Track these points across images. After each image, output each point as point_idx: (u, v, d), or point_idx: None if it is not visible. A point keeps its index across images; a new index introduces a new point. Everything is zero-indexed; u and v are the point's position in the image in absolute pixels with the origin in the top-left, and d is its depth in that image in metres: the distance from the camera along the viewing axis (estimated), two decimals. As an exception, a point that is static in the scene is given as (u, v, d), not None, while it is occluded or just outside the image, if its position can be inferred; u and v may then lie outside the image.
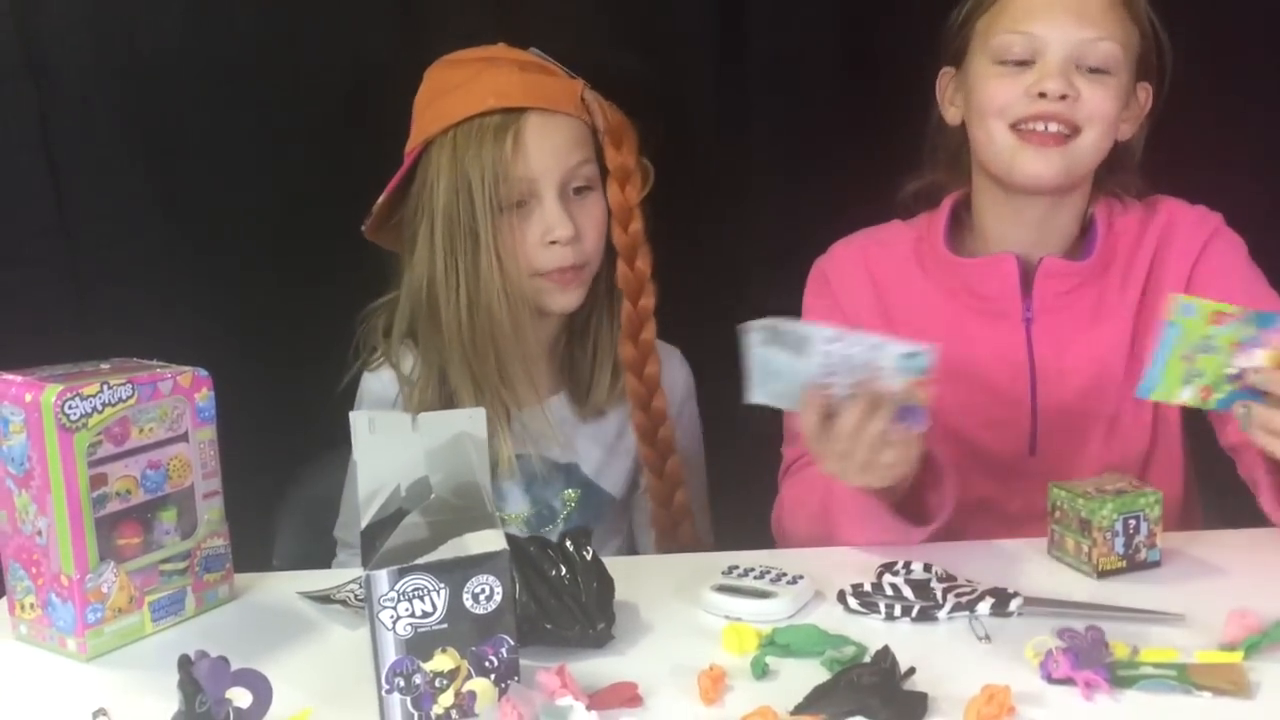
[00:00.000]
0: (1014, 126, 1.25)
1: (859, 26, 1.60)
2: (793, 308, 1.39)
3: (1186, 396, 1.07)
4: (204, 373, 1.11)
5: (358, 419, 0.95)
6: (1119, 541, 1.11)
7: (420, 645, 0.89)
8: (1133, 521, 1.11)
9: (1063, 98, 1.23)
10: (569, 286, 1.37)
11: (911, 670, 0.93)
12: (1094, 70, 1.24)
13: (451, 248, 1.33)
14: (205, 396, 1.12)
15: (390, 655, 0.89)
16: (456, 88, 1.35)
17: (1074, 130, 1.24)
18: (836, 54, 1.60)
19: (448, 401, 1.37)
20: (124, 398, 1.04)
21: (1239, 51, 1.53)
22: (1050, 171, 1.25)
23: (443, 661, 0.89)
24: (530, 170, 1.32)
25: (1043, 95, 1.23)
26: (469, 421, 0.97)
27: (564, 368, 1.44)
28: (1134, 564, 1.12)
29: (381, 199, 1.38)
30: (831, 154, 1.57)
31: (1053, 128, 1.24)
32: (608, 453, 1.45)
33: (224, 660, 0.91)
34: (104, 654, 1.05)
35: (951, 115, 1.34)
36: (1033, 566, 1.15)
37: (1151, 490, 1.13)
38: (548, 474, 1.42)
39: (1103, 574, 1.11)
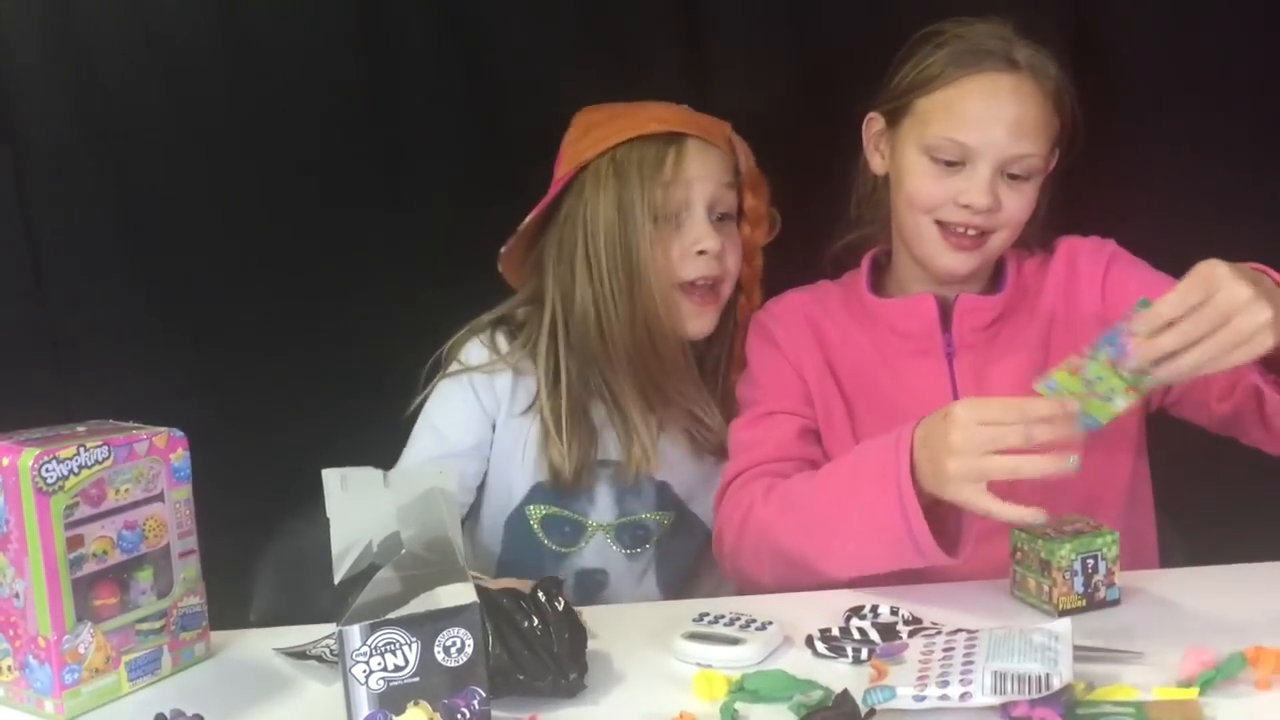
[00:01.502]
0: (938, 222, 1.34)
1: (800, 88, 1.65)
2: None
3: (1121, 406, 1.09)
4: (179, 433, 1.13)
5: (330, 476, 0.97)
6: (1078, 581, 1.14)
7: (393, 699, 0.90)
8: (1091, 561, 1.14)
9: (987, 209, 1.31)
10: (706, 309, 1.46)
11: (872, 712, 0.95)
12: (1015, 177, 1.32)
13: (614, 260, 1.41)
14: (180, 457, 1.13)
15: (363, 709, 0.90)
16: (615, 119, 1.45)
17: (991, 230, 1.34)
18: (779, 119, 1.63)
19: (582, 404, 1.46)
20: (100, 459, 1.06)
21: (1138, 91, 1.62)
22: (965, 268, 1.36)
23: (415, 715, 0.90)
24: (687, 185, 1.41)
25: (968, 206, 1.31)
26: (439, 477, 0.99)
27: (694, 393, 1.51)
28: (1094, 603, 1.14)
29: (527, 221, 1.45)
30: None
31: (972, 231, 1.33)
32: (704, 481, 1.50)
33: (200, 718, 0.92)
34: (81, 715, 1.06)
35: (877, 165, 1.42)
36: (996, 607, 1.17)
37: (1109, 531, 1.15)
38: (638, 485, 1.49)
39: (1063, 613, 1.13)
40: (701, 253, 1.42)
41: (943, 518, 1.16)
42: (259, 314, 1.59)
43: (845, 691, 0.96)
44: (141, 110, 1.57)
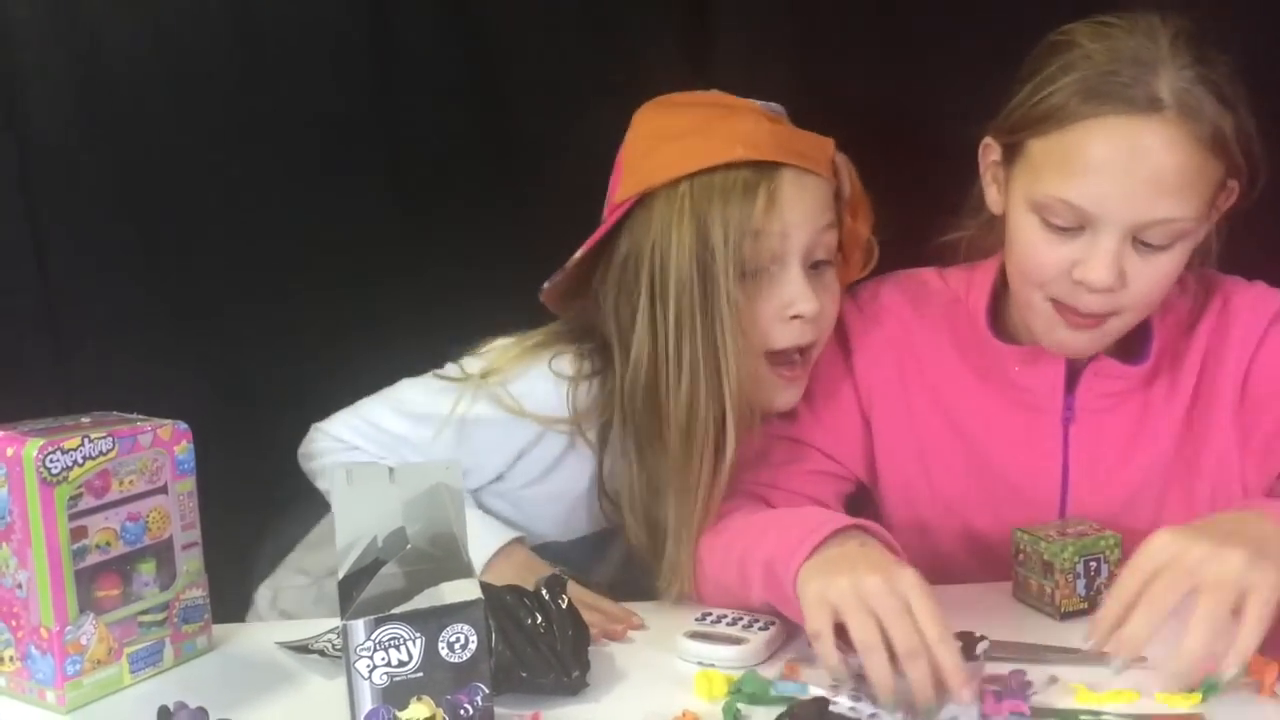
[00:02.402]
0: (1052, 299, 1.13)
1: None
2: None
3: None
4: (184, 426, 1.13)
5: (336, 471, 0.97)
6: (1080, 583, 1.14)
7: (396, 694, 0.90)
8: (1093, 563, 1.14)
9: (1107, 289, 1.08)
10: (795, 381, 1.23)
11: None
12: (1151, 246, 1.08)
13: (688, 318, 1.16)
14: (185, 449, 1.13)
15: (366, 704, 0.90)
16: (688, 133, 1.20)
17: (1114, 312, 1.12)
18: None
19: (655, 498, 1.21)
20: (104, 451, 1.06)
21: None
22: (1081, 345, 1.16)
23: (418, 710, 0.90)
24: (781, 235, 1.16)
25: (1082, 282, 1.08)
26: (445, 473, 0.99)
27: None
28: (1096, 605, 1.14)
29: (580, 255, 1.23)
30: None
31: (1091, 309, 1.11)
32: None
33: (203, 711, 0.93)
34: (83, 706, 1.06)
35: (992, 200, 1.19)
36: (998, 609, 1.17)
37: (1111, 533, 1.15)
38: None
39: (1065, 615, 1.14)
40: (796, 316, 1.19)
41: None
42: (265, 308, 1.59)
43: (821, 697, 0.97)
44: (147, 101, 1.57)
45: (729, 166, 1.15)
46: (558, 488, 1.30)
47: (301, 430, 1.38)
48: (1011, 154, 1.14)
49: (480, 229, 1.53)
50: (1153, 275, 1.09)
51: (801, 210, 1.17)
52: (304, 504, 1.41)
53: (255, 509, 1.51)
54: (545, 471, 1.29)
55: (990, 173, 1.18)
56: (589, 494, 1.29)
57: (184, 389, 1.50)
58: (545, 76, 1.55)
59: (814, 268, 1.21)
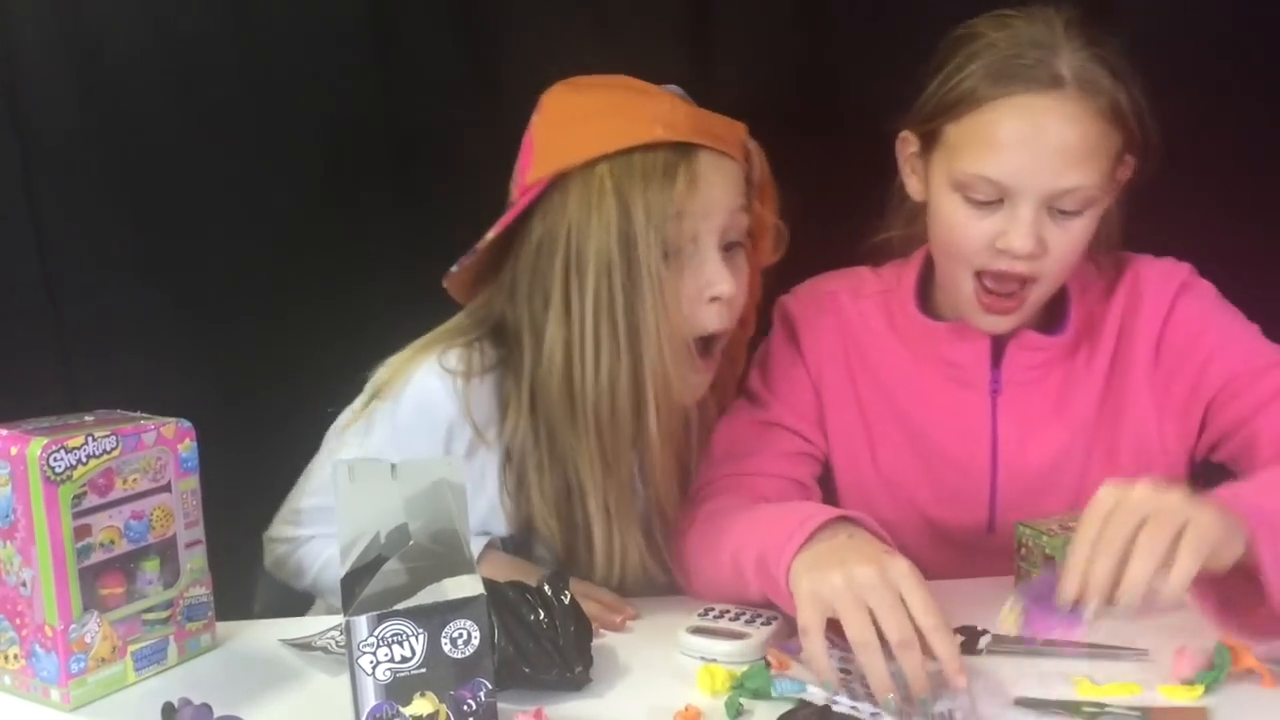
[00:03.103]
0: (978, 273, 1.19)
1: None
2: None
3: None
4: (187, 424, 1.13)
5: (338, 467, 0.97)
6: (1082, 578, 1.14)
7: (399, 690, 0.90)
8: (1095, 558, 1.14)
9: (1030, 255, 1.15)
10: (708, 372, 1.23)
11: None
12: (1065, 213, 1.15)
13: (607, 304, 1.15)
14: (188, 447, 1.13)
15: (370, 700, 0.90)
16: (604, 114, 1.18)
17: (1034, 277, 1.18)
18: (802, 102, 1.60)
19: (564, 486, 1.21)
20: (108, 449, 1.06)
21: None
22: (1003, 326, 1.23)
23: (422, 706, 0.90)
24: (700, 214, 1.16)
25: (1006, 251, 1.15)
26: (447, 469, 0.99)
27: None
28: (1098, 600, 1.15)
29: (490, 236, 1.21)
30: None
31: (1012, 285, 1.18)
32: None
33: (207, 708, 0.93)
34: (87, 704, 1.06)
35: (914, 189, 1.26)
36: (1000, 603, 1.16)
37: (1113, 528, 1.15)
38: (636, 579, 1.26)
39: (1068, 610, 1.14)
40: (715, 299, 1.19)
41: None
42: (268, 306, 1.59)
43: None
44: (149, 101, 1.57)
45: (648, 147, 1.14)
46: (473, 485, 1.24)
47: (305, 427, 1.38)
48: (929, 142, 1.21)
49: (486, 228, 1.52)
50: (1068, 241, 1.16)
51: (719, 191, 1.17)
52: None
53: (258, 506, 1.51)
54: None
55: (909, 164, 1.25)
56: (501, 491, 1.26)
57: (187, 387, 1.50)
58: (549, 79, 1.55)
59: (727, 249, 1.20)
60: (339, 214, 1.56)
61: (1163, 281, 1.26)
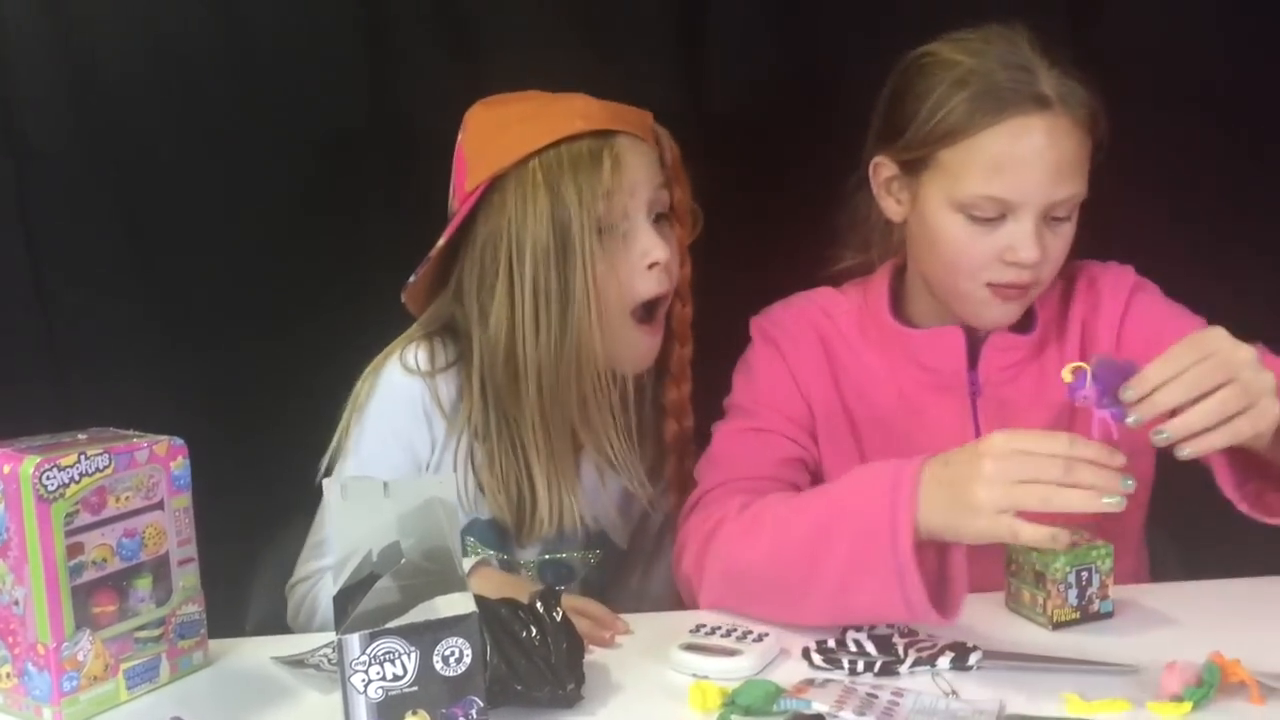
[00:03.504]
0: (987, 283, 1.25)
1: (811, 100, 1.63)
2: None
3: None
4: (179, 442, 1.13)
5: (330, 486, 0.97)
6: (1072, 593, 1.14)
7: (391, 708, 0.90)
8: (1085, 573, 1.15)
9: (1036, 263, 1.22)
10: (654, 336, 1.34)
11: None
12: (1058, 219, 1.24)
13: (544, 283, 1.27)
14: (180, 465, 1.13)
15: (362, 718, 0.90)
16: (526, 118, 1.30)
17: (1036, 281, 1.26)
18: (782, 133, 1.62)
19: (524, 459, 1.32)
20: (101, 467, 1.06)
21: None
22: (1012, 316, 1.28)
23: (414, 723, 0.91)
24: (628, 192, 1.28)
25: (1016, 263, 1.22)
26: (439, 487, 1.00)
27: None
28: (1087, 615, 1.15)
29: (441, 244, 1.32)
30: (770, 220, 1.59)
31: (1018, 289, 1.25)
32: (625, 505, 1.44)
33: (199, 726, 0.93)
34: (79, 722, 1.06)
35: (893, 212, 1.31)
36: (991, 619, 1.18)
37: (1103, 543, 1.16)
38: (572, 532, 1.38)
39: (1057, 625, 1.14)
40: (653, 265, 1.30)
41: (941, 574, 1.09)
42: (260, 323, 1.60)
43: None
44: (143, 120, 1.58)
45: (571, 139, 1.26)
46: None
47: (297, 447, 1.38)
48: (917, 167, 1.26)
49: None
50: (1061, 244, 1.25)
51: (641, 170, 1.29)
52: (301, 519, 1.42)
53: (252, 524, 1.52)
54: (439, 466, 1.35)
55: (885, 188, 1.31)
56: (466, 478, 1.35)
57: (180, 405, 1.51)
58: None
59: (656, 221, 1.32)
60: (336, 232, 1.57)
61: (1117, 282, 1.35)
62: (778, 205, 1.58)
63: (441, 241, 1.31)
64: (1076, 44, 1.41)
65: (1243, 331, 1.04)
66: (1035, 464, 1.01)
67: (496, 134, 1.31)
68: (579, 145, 1.27)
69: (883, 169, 1.30)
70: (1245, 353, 1.00)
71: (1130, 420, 1.01)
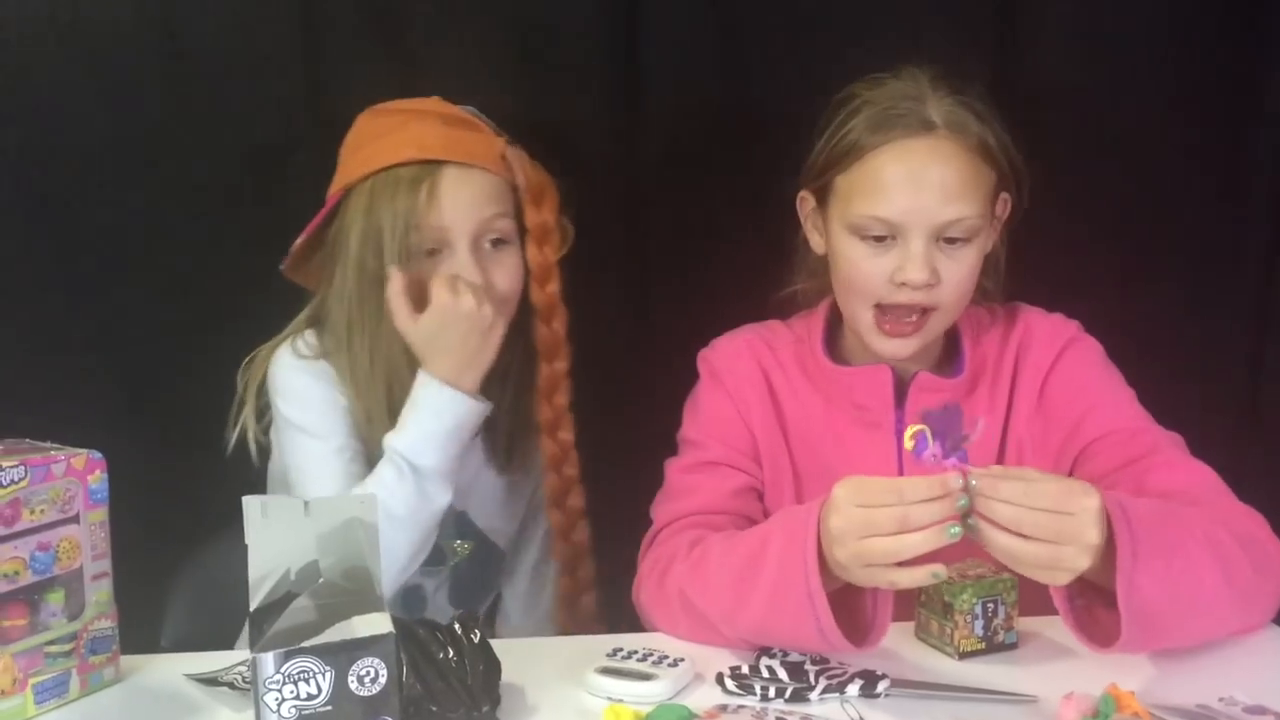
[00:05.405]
0: (878, 306, 1.28)
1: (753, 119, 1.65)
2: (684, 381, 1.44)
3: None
4: (98, 455, 1.12)
5: (250, 503, 0.97)
6: (978, 624, 1.17)
7: (305, 727, 0.90)
8: (991, 605, 1.18)
9: (925, 284, 1.25)
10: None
11: None
12: (953, 241, 1.26)
13: (360, 294, 1.37)
14: (98, 479, 1.12)
15: (275, 737, 0.90)
16: (380, 137, 1.38)
17: (933, 307, 1.27)
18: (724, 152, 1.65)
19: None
20: (16, 479, 1.05)
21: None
22: (905, 352, 1.30)
23: (327, 743, 0.91)
24: (443, 220, 1.34)
25: (905, 284, 1.25)
26: (360, 506, 1.00)
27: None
28: (993, 645, 1.18)
29: (300, 240, 1.41)
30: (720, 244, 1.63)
31: (912, 317, 1.28)
32: (500, 508, 1.48)
33: (108, 743, 0.92)
34: (-16, 737, 1.05)
35: (815, 244, 1.36)
36: (900, 648, 1.20)
37: (1008, 575, 1.19)
38: None
39: (964, 655, 1.17)
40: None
41: (856, 603, 1.11)
42: (180, 337, 1.58)
43: None
44: (65, 131, 1.56)
45: (402, 165, 1.35)
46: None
47: (218, 460, 1.37)
48: (823, 195, 1.32)
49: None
50: (959, 269, 1.27)
51: (464, 201, 1.35)
52: (221, 534, 1.40)
53: (169, 539, 1.50)
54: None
55: (809, 220, 1.36)
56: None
57: (99, 417, 1.49)
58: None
59: (493, 245, 1.38)
60: (250, 242, 1.56)
61: (1051, 334, 1.36)
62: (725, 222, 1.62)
63: (301, 240, 1.41)
64: (1003, 87, 1.46)
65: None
66: (874, 518, 1.02)
67: (355, 149, 1.41)
68: (404, 172, 1.35)
69: (806, 202, 1.36)
70: (1094, 535, 1.00)
71: (967, 485, 1.02)
